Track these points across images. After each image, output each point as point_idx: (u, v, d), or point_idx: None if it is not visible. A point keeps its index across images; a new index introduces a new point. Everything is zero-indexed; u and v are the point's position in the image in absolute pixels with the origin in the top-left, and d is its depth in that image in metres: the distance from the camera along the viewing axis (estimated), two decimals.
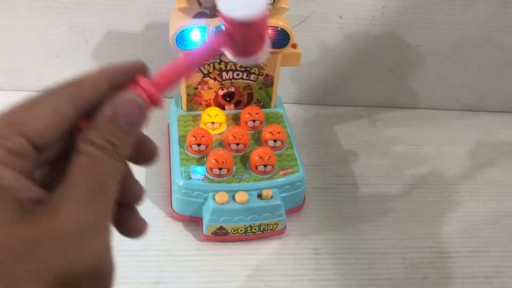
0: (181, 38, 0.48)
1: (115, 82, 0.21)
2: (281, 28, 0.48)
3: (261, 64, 0.52)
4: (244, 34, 0.23)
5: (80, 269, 0.18)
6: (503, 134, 0.67)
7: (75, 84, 0.20)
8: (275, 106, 0.56)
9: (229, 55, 0.25)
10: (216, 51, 0.24)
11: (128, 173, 0.23)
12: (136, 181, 0.23)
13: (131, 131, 0.20)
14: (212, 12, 0.47)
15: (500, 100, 0.70)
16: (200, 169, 0.48)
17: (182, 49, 0.48)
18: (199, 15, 0.47)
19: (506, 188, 0.58)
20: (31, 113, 0.18)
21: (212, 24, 0.47)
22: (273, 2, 0.47)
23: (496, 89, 0.69)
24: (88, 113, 0.20)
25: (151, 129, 0.60)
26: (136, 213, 0.23)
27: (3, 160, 0.17)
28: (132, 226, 0.23)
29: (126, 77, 0.21)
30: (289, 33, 0.49)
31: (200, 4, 0.46)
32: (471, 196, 0.56)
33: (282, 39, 0.49)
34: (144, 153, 0.22)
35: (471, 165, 0.61)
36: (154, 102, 0.21)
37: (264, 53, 0.26)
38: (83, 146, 0.19)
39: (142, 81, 0.21)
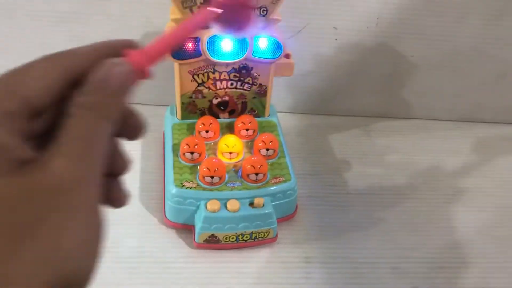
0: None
1: (105, 55, 0.21)
2: (274, 39, 0.49)
3: (255, 74, 0.53)
4: (229, 2, 0.24)
5: (70, 219, 0.18)
6: (497, 145, 0.67)
7: (67, 53, 0.21)
8: (269, 115, 0.57)
9: (217, 29, 0.26)
10: (204, 22, 0.24)
11: (116, 143, 0.23)
12: (124, 153, 0.24)
13: (119, 94, 0.21)
14: None
15: (493, 111, 0.70)
16: (191, 176, 0.48)
17: (176, 59, 0.49)
18: None
19: (498, 199, 0.58)
20: (26, 75, 0.19)
21: (206, 34, 0.48)
22: (266, 13, 0.48)
23: (489, 100, 0.69)
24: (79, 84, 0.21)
25: (147, 137, 0.61)
26: (120, 184, 0.24)
27: None
28: (115, 196, 0.23)
29: (116, 50, 0.22)
30: (281, 43, 0.50)
31: None
32: (462, 207, 0.57)
33: (275, 49, 0.50)
34: (130, 126, 0.23)
35: (464, 176, 0.61)
36: (143, 71, 0.22)
37: (253, 27, 0.26)
38: (73, 108, 0.20)
39: (131, 52, 0.22)
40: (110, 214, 0.58)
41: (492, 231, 0.54)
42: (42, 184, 0.18)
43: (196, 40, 0.48)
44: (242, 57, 0.50)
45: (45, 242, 0.17)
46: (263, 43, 0.50)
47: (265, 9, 0.48)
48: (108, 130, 0.20)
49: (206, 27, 0.25)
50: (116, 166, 0.23)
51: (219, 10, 0.24)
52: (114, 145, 0.23)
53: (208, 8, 0.24)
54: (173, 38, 0.23)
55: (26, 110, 0.19)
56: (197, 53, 0.49)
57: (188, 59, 0.50)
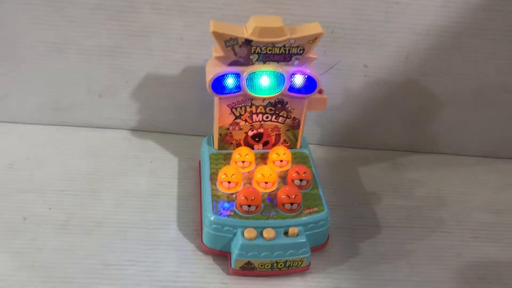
0: (217, 84, 0.52)
1: None
2: (309, 76, 0.52)
3: (289, 108, 0.56)
4: None
5: None
6: None
7: None
8: (301, 147, 0.60)
9: None
10: None
11: None
12: None
13: None
14: (246, 60, 0.51)
15: None
16: (228, 204, 0.51)
17: (217, 93, 0.52)
18: (233, 63, 0.51)
19: None
20: None
21: (245, 71, 0.51)
22: (302, 52, 0.51)
23: None
24: None
25: (184, 166, 0.64)
26: None
27: None
28: None
29: None
30: (316, 80, 0.52)
31: (235, 54, 0.51)
32: (491, 242, 0.57)
33: (309, 85, 0.53)
34: None
35: (492, 211, 0.62)
36: None
37: None
38: None
39: None
40: (149, 239, 0.59)
41: None
42: None
43: (237, 76, 0.52)
44: (279, 92, 0.53)
45: None
46: (298, 79, 0.53)
47: (302, 48, 0.51)
48: None
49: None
50: None
51: None
52: None
53: None
54: None
55: None
56: (237, 88, 0.52)
57: (228, 94, 0.53)
